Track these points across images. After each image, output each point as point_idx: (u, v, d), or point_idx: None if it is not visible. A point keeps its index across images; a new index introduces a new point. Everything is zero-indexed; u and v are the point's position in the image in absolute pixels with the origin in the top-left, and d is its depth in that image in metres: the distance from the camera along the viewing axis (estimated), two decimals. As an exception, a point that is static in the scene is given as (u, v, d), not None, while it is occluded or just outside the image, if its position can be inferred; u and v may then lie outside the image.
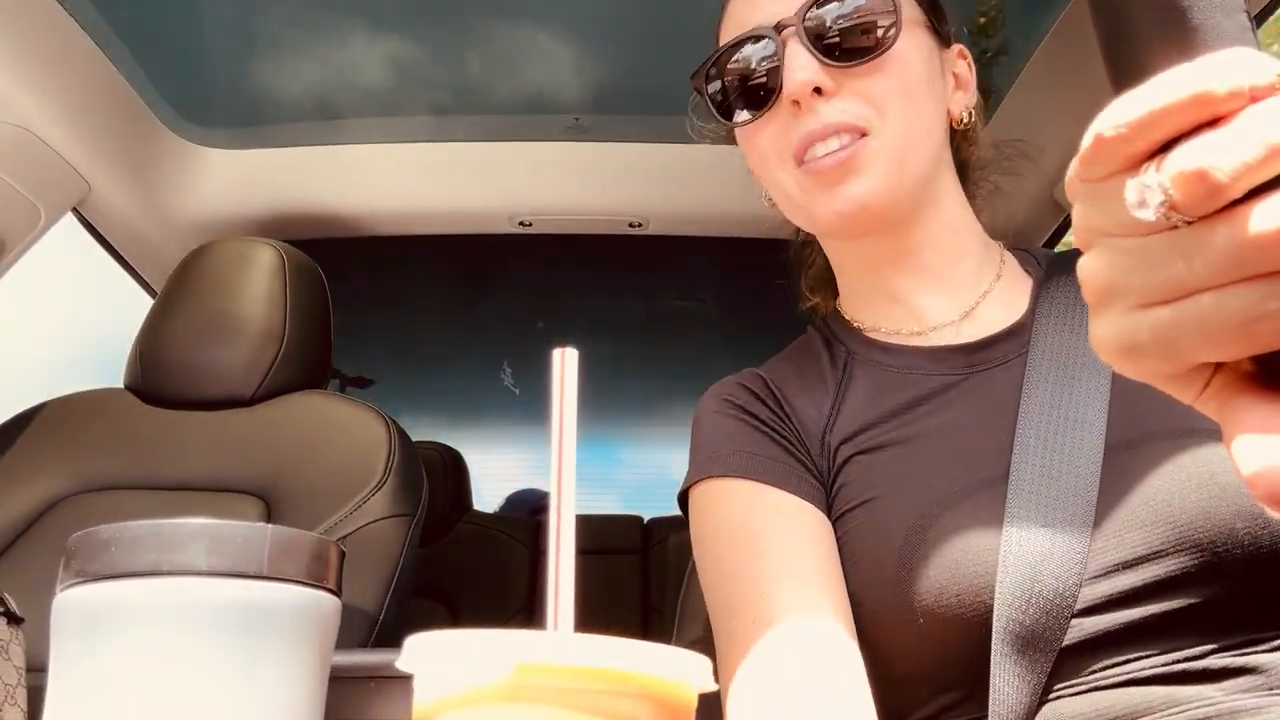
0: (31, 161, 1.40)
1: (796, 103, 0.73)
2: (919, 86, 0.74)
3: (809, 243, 0.92)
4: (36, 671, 0.60)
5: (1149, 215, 0.29)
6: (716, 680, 0.32)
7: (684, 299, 2.51)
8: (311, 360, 1.44)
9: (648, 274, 2.31)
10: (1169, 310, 0.30)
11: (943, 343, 0.77)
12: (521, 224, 1.80)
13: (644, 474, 3.27)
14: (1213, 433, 0.60)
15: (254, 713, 0.30)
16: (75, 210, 1.58)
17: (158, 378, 1.37)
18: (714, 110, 0.79)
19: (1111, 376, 0.67)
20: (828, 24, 0.72)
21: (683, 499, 0.79)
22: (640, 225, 1.80)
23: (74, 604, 0.31)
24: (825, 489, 0.73)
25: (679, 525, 2.51)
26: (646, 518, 2.66)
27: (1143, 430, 0.65)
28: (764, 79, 0.75)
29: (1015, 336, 0.75)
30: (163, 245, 1.71)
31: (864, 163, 0.72)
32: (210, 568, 0.31)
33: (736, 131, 0.80)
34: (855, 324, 0.83)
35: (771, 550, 0.68)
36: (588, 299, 2.52)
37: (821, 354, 0.82)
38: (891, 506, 0.68)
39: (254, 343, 1.37)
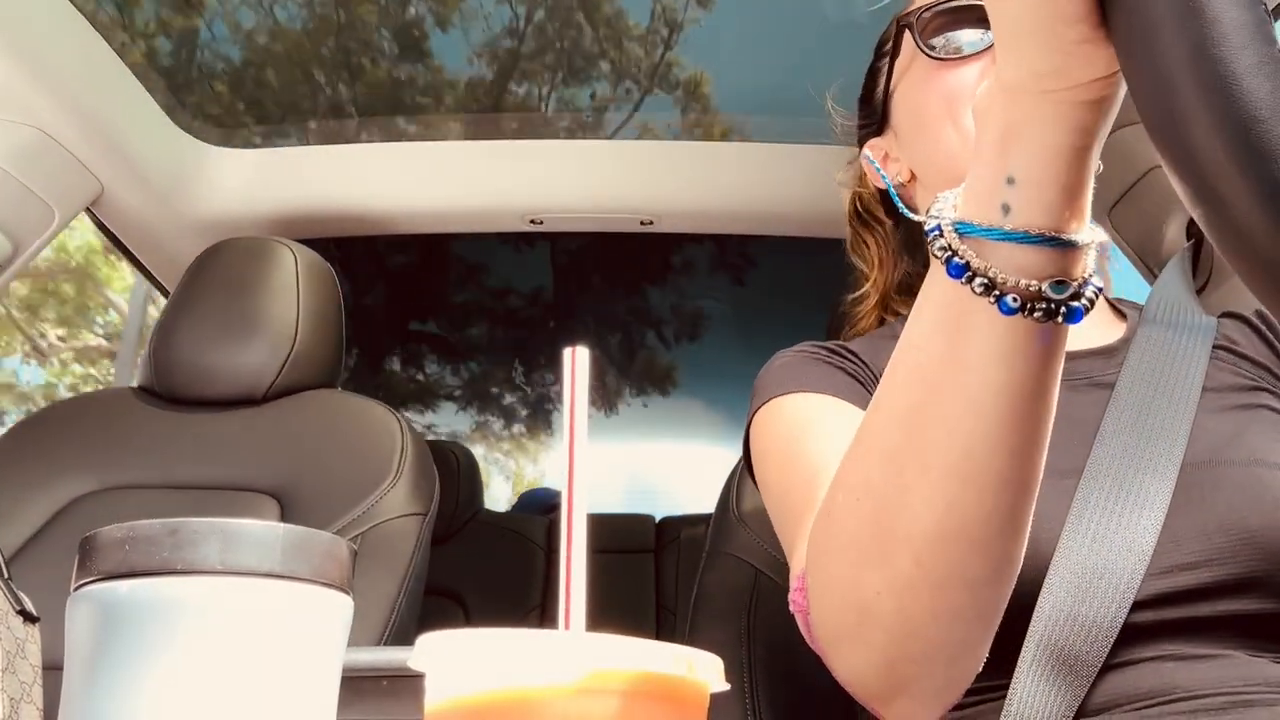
0: (45, 162, 1.41)
1: None
2: None
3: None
4: (53, 670, 0.61)
5: None
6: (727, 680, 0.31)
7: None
8: (324, 359, 1.44)
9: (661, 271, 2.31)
10: None
11: None
12: (533, 222, 1.80)
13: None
14: (1278, 465, 0.64)
15: (267, 711, 0.30)
16: (89, 210, 1.59)
17: (171, 377, 1.38)
18: (920, 44, 0.81)
19: (1196, 408, 0.69)
20: None
21: (746, 445, 0.79)
22: (651, 223, 1.80)
23: (87, 602, 0.31)
24: None
25: (691, 524, 2.51)
26: (658, 517, 2.65)
27: (1215, 456, 0.66)
28: (985, 23, 0.76)
29: (1105, 357, 0.77)
30: (176, 245, 1.72)
31: None
32: (223, 566, 0.31)
33: (920, 74, 0.82)
34: None
35: (827, 433, 0.68)
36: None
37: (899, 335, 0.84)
38: None
39: (267, 341, 1.37)
